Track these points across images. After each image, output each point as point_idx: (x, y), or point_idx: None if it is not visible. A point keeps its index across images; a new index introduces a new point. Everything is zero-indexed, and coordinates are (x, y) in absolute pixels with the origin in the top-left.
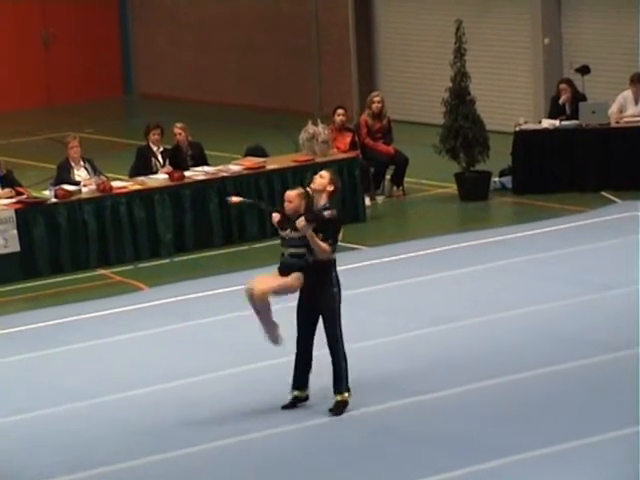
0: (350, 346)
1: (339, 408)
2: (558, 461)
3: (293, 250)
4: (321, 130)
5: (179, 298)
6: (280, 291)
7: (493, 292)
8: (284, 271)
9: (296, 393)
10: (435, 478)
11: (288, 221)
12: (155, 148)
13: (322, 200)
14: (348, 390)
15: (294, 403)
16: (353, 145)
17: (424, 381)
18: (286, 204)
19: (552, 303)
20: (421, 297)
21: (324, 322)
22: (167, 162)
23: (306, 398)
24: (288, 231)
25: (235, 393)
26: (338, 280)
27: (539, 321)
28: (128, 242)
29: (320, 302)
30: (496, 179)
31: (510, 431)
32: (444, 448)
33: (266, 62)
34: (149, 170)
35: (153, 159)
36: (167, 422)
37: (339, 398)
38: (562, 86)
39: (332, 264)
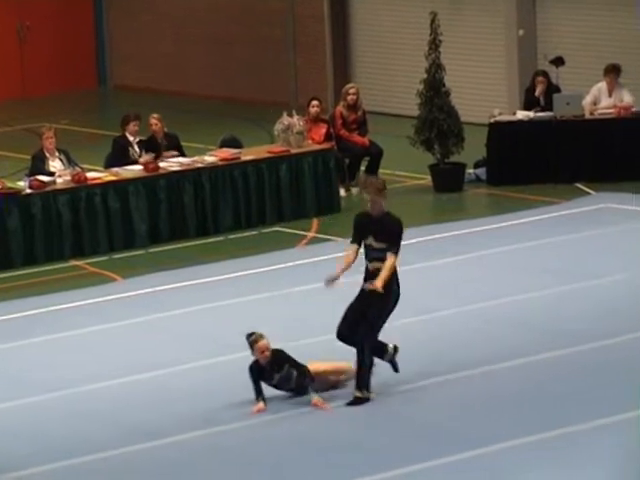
0: (328, 337)
1: (355, 404)
2: (536, 451)
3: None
4: (296, 121)
5: (153, 289)
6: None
7: (468, 283)
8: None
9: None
10: (414, 468)
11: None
12: (132, 138)
13: (377, 205)
14: (366, 388)
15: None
16: (328, 136)
17: (402, 371)
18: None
19: (528, 294)
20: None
21: (366, 319)
22: (143, 152)
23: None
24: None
25: (209, 384)
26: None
27: (516, 312)
28: (102, 233)
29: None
30: (470, 171)
31: (489, 421)
32: (423, 438)
33: (242, 54)
34: (126, 160)
35: (130, 149)
36: (140, 413)
37: (357, 394)
38: (539, 78)
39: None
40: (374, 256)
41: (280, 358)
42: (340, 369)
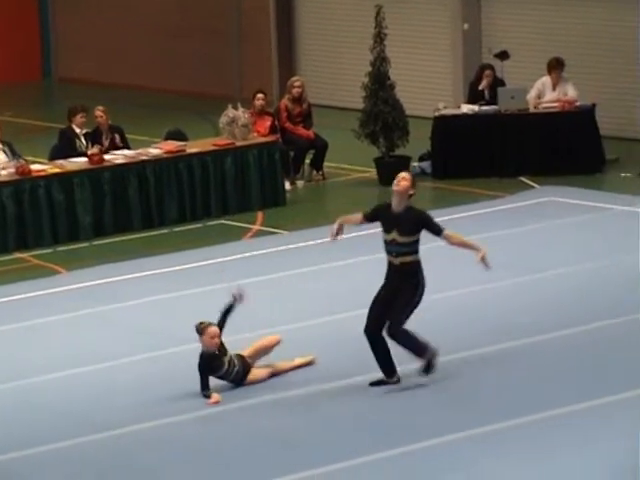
0: (269, 330)
1: (426, 371)
2: (486, 442)
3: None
4: (241, 114)
5: (98, 282)
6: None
7: None
8: None
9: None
10: (354, 462)
11: None
12: (78, 130)
13: (403, 202)
14: (394, 373)
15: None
16: (273, 129)
17: (343, 365)
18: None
19: (473, 287)
20: (341, 281)
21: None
22: (90, 144)
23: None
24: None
25: (155, 377)
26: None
27: (461, 305)
28: (47, 225)
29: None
30: (415, 164)
31: (437, 413)
32: (364, 431)
33: (186, 46)
34: (73, 152)
35: (77, 141)
36: (84, 406)
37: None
38: (486, 72)
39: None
40: (400, 251)
41: (225, 348)
42: (302, 364)
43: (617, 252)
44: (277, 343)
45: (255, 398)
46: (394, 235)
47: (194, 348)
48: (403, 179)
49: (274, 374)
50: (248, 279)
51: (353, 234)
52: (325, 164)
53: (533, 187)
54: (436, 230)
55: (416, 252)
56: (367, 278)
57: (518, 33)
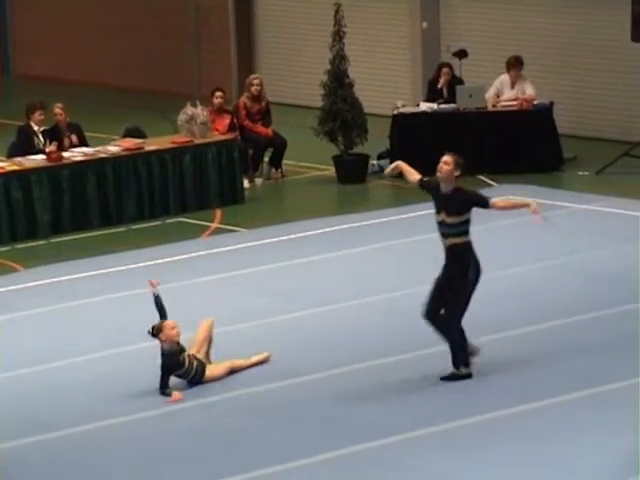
0: (228, 328)
1: (450, 379)
2: (430, 442)
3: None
4: (200, 112)
5: (56, 279)
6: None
7: (372, 274)
8: None
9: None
10: (311, 460)
11: None
12: (36, 128)
13: (450, 184)
14: (460, 365)
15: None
16: (232, 127)
17: (302, 363)
18: None
19: (430, 285)
20: (300, 279)
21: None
22: (48, 142)
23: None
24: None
25: (111, 375)
26: (472, 265)
27: (419, 303)
28: (5, 223)
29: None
30: (374, 162)
31: (387, 412)
32: (321, 429)
33: (145, 44)
34: (31, 149)
35: (35, 138)
36: (38, 405)
37: (454, 371)
38: (444, 70)
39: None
40: (449, 232)
41: (183, 346)
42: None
43: (574, 250)
44: (212, 324)
45: (213, 396)
46: (443, 216)
47: (153, 345)
48: (445, 164)
49: (232, 371)
50: (206, 277)
51: (313, 232)
52: (284, 162)
53: (491, 185)
54: (483, 203)
55: (465, 233)
56: (327, 275)
57: (476, 32)
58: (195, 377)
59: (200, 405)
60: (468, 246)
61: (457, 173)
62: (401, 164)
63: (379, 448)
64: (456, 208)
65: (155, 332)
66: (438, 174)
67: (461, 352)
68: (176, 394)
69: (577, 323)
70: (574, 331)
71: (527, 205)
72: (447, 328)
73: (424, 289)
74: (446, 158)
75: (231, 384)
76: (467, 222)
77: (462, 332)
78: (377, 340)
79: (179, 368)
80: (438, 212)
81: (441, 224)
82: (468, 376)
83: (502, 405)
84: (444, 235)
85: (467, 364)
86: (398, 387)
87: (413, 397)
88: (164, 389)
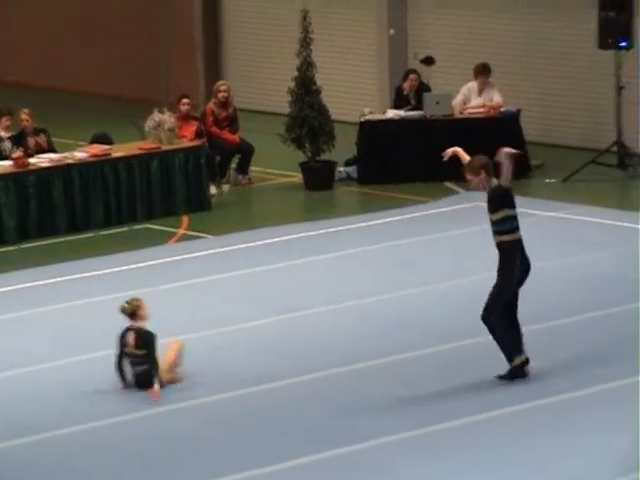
0: (194, 335)
1: (511, 376)
2: (405, 447)
3: None
4: (167, 118)
5: (23, 285)
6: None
7: (338, 281)
8: None
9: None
10: (280, 466)
11: None
12: (3, 134)
13: (483, 188)
14: (512, 358)
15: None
16: (199, 133)
17: (270, 370)
18: None
19: (398, 292)
20: (267, 286)
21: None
22: (15, 148)
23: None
24: None
25: (77, 381)
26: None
27: (387, 309)
28: None
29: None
30: (341, 169)
31: (359, 418)
32: (291, 436)
33: (113, 50)
34: None
35: (2, 144)
36: (6, 410)
37: (510, 366)
38: (411, 76)
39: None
40: (494, 230)
41: (148, 339)
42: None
43: (540, 258)
44: (182, 347)
45: (180, 403)
46: (488, 214)
47: (112, 354)
48: (469, 181)
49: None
50: (173, 283)
51: (280, 239)
52: (251, 168)
53: (458, 192)
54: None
55: (507, 232)
56: (294, 282)
57: (444, 39)
58: (139, 372)
59: (169, 411)
60: (514, 244)
61: (483, 176)
62: (459, 150)
63: (352, 453)
64: (489, 206)
65: (131, 311)
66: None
67: (508, 344)
68: (155, 389)
69: (550, 329)
70: (546, 337)
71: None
72: (488, 326)
73: (394, 295)
74: (467, 177)
75: (198, 391)
76: (505, 220)
77: (507, 328)
78: (346, 346)
79: (123, 346)
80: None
81: (490, 222)
82: (526, 362)
83: (478, 410)
84: (492, 233)
85: (520, 352)
86: (370, 393)
87: (386, 402)
88: (123, 379)
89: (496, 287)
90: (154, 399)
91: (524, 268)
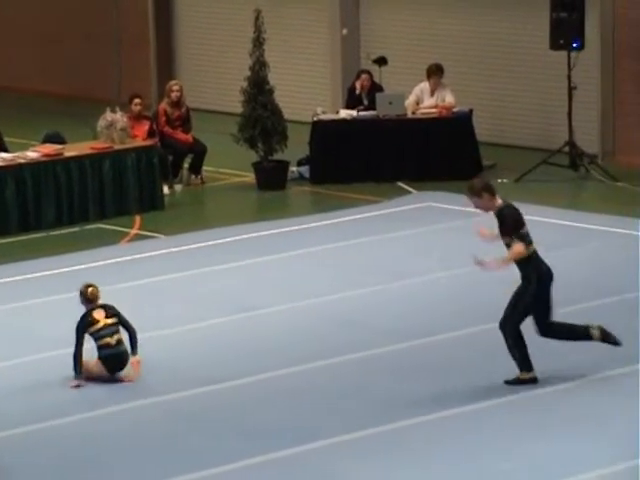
0: (148, 334)
1: (514, 383)
2: (355, 448)
3: None
4: (119, 118)
5: None
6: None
7: (292, 280)
8: None
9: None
10: (234, 466)
11: None
12: None
13: (492, 209)
14: (521, 370)
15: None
16: (151, 133)
17: (224, 369)
18: None
19: (350, 292)
20: (220, 285)
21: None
22: None
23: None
24: None
25: (27, 382)
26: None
27: (339, 309)
28: None
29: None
30: (294, 168)
31: (312, 418)
32: (245, 435)
33: (66, 50)
34: None
35: None
36: None
37: (518, 376)
38: (364, 76)
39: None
40: (506, 247)
41: (113, 309)
42: None
43: (492, 257)
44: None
45: (135, 401)
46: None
47: (68, 353)
48: (474, 204)
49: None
50: (126, 283)
51: (233, 238)
52: (204, 168)
53: (410, 192)
54: (513, 235)
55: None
56: (247, 282)
57: (396, 39)
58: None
59: (122, 410)
60: (529, 259)
61: (485, 197)
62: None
63: (304, 453)
64: (501, 229)
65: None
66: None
67: (520, 357)
68: (78, 382)
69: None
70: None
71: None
72: (503, 335)
73: (344, 295)
74: (471, 201)
75: (153, 390)
76: (516, 237)
77: (520, 338)
78: (298, 346)
79: (91, 326)
80: None
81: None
82: (532, 380)
83: (428, 410)
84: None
85: (528, 369)
86: (323, 392)
87: (338, 402)
88: (76, 366)
89: (514, 300)
90: (136, 370)
91: (541, 283)
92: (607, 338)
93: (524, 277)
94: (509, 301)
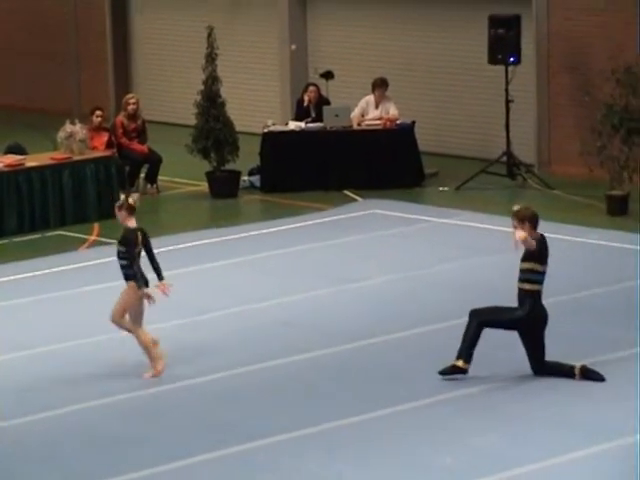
0: (107, 336)
1: (448, 371)
2: (304, 443)
3: None
4: (79, 129)
5: None
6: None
7: (240, 285)
8: None
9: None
10: (191, 461)
11: None
12: None
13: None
14: (459, 358)
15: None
16: (109, 144)
17: (180, 369)
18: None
19: (297, 295)
20: (176, 289)
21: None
22: None
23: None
24: None
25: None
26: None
27: (284, 312)
28: None
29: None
30: (245, 178)
31: (259, 416)
32: (200, 432)
33: (29, 66)
34: None
35: None
36: None
37: (454, 362)
38: (311, 88)
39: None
40: (519, 277)
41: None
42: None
43: (435, 262)
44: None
45: (95, 400)
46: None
47: (34, 355)
48: (515, 228)
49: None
50: (84, 287)
51: (187, 244)
52: (159, 177)
53: (356, 200)
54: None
55: (528, 281)
56: (200, 286)
57: (343, 54)
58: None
59: (84, 409)
60: (531, 295)
61: (526, 227)
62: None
63: (255, 449)
64: (523, 254)
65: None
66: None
67: (465, 348)
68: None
69: (442, 330)
70: (439, 338)
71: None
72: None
73: (292, 299)
74: (514, 225)
75: (113, 388)
76: (531, 271)
77: (476, 336)
78: (248, 347)
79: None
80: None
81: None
82: (464, 371)
83: (369, 408)
84: (518, 279)
85: (468, 361)
86: (269, 391)
87: (284, 401)
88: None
89: (507, 311)
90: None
91: (535, 321)
92: (589, 374)
93: (520, 303)
94: (502, 307)
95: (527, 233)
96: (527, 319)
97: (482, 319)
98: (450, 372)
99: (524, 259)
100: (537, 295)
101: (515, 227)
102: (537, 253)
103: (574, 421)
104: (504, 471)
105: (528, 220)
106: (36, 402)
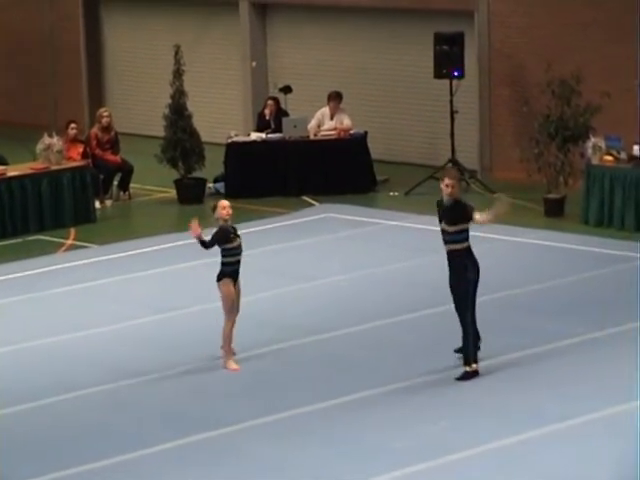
0: (83, 333)
1: (464, 377)
2: (262, 431)
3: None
4: (56, 141)
5: None
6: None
7: (207, 284)
8: None
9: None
10: (153, 450)
11: None
12: None
13: (452, 199)
14: (471, 362)
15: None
16: (85, 155)
17: (147, 362)
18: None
19: (258, 294)
20: (146, 289)
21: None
22: None
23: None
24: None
25: None
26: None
27: (248, 309)
28: None
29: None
30: (211, 185)
31: (221, 407)
32: (163, 423)
33: (7, 81)
34: None
35: None
36: None
37: (467, 369)
38: (270, 102)
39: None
40: (448, 239)
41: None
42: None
43: (386, 261)
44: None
45: (60, 395)
46: (444, 225)
47: (13, 350)
48: (451, 186)
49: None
50: (61, 288)
51: (156, 247)
52: (131, 185)
53: (313, 205)
54: (468, 218)
55: (463, 240)
56: (169, 285)
57: (299, 70)
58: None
59: (48, 403)
60: (465, 251)
61: (457, 187)
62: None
63: (216, 437)
64: (453, 218)
65: (212, 209)
66: (445, 195)
67: (467, 350)
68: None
69: (395, 324)
70: (392, 331)
71: (498, 213)
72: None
73: (251, 298)
74: (448, 181)
75: (77, 383)
76: (465, 231)
77: (475, 332)
78: (213, 343)
79: (228, 242)
80: (440, 221)
81: (442, 232)
82: (475, 373)
83: (327, 397)
84: (444, 242)
85: (475, 361)
86: (233, 383)
87: (247, 391)
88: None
89: (456, 294)
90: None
91: (476, 271)
92: (467, 373)
93: (458, 269)
94: (454, 300)
95: (458, 189)
96: (474, 274)
97: (469, 312)
98: (467, 378)
99: (454, 222)
100: (470, 250)
101: (447, 185)
102: (464, 215)
103: (510, 408)
104: (446, 455)
105: (458, 180)
106: (7, 396)
